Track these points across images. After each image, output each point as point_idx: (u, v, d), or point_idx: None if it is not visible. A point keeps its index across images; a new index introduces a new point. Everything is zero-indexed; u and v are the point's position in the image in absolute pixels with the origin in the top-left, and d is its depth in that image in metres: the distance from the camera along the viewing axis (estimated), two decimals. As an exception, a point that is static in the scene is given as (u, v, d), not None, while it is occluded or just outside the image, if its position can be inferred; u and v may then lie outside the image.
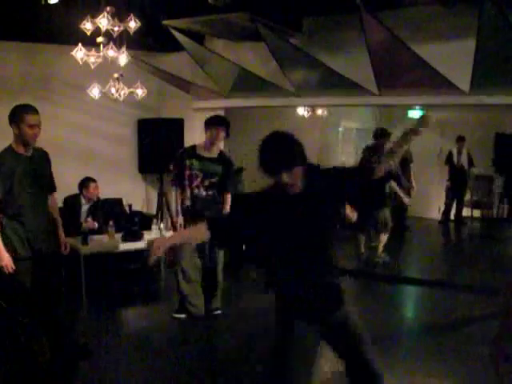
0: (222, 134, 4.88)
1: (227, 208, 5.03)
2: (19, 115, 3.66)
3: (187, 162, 4.89)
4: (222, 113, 8.10)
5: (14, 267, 3.60)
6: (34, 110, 3.71)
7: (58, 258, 3.99)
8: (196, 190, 4.91)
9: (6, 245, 3.63)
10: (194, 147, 5.01)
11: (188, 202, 4.94)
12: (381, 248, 7.16)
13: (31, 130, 3.66)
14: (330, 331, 2.61)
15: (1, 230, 3.64)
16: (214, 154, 4.96)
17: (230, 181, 5.10)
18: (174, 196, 5.04)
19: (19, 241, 3.67)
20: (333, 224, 2.66)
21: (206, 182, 4.92)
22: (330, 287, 2.59)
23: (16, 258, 3.64)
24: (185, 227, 4.97)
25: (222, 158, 5.00)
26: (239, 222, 2.68)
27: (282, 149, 2.43)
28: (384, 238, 7.11)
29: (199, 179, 4.90)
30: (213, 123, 4.89)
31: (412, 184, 8.28)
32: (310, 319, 2.60)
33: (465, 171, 10.12)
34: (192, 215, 4.92)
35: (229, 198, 5.05)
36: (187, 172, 4.90)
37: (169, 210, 7.77)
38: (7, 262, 3.58)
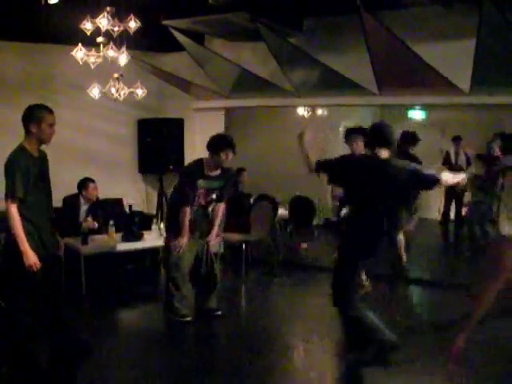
0: (231, 156, 4.82)
1: (218, 218, 5.07)
2: (39, 115, 3.68)
3: (197, 183, 4.86)
4: (222, 113, 8.12)
5: (40, 265, 3.61)
6: (52, 110, 3.77)
7: (60, 258, 4.00)
8: (197, 206, 4.95)
9: (17, 245, 3.63)
10: (201, 166, 4.88)
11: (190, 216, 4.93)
12: (402, 250, 6.73)
13: (50, 130, 3.71)
14: None
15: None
16: (218, 171, 4.96)
17: (227, 191, 5.11)
18: (181, 217, 4.84)
19: (33, 241, 3.68)
20: None
21: (209, 198, 4.96)
22: None
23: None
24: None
25: (226, 174, 5.00)
26: None
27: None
28: (402, 238, 6.72)
29: (202, 195, 4.92)
30: (222, 147, 4.77)
31: None
32: None
33: (463, 171, 10.08)
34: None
35: (222, 207, 5.10)
36: (195, 191, 4.87)
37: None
38: (34, 260, 3.60)
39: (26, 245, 3.59)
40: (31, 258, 3.59)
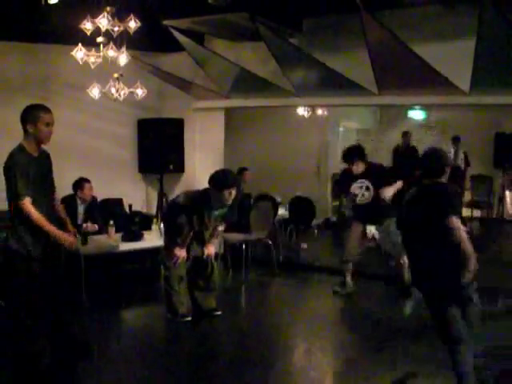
0: (234, 194, 4.85)
1: (215, 235, 5.20)
2: (35, 114, 3.69)
3: (204, 213, 4.95)
4: (222, 113, 8.12)
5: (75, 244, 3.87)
6: (49, 109, 3.76)
7: (60, 259, 4.00)
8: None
9: (19, 244, 3.67)
10: (208, 198, 4.90)
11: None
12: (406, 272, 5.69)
13: (47, 129, 3.71)
14: None
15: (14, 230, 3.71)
16: None
17: (230, 216, 5.17)
18: (184, 235, 4.96)
19: (32, 241, 3.68)
20: None
21: (213, 223, 5.07)
22: None
23: (30, 258, 3.65)
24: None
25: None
26: None
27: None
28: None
29: (207, 221, 5.02)
30: (224, 186, 4.80)
31: None
32: None
33: (461, 171, 10.09)
34: None
35: (219, 228, 5.19)
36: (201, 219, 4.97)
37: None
38: (71, 239, 3.82)
39: (55, 230, 3.70)
40: (66, 238, 3.75)
